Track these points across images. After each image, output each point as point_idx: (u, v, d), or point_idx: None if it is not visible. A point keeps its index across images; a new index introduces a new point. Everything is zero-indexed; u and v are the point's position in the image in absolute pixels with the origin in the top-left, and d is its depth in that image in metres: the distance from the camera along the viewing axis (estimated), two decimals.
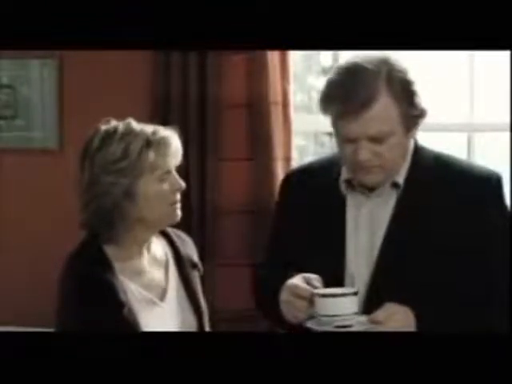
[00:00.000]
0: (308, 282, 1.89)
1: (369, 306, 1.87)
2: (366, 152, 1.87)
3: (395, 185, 1.96)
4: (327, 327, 1.81)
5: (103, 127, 2.00)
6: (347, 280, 1.95)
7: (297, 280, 1.91)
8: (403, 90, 1.87)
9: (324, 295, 1.83)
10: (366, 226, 1.97)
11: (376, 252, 1.94)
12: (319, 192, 2.03)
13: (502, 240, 1.91)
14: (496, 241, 1.91)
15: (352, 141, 1.88)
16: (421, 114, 1.91)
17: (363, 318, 1.84)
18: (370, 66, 1.85)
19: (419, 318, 1.84)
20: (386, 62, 1.88)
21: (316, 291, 1.85)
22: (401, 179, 1.96)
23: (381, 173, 1.92)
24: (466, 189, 1.93)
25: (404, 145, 1.93)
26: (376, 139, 1.86)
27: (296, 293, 1.88)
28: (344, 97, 1.85)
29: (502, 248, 1.91)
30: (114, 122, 2.01)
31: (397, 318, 1.82)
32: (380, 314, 1.82)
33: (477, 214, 1.91)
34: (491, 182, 1.96)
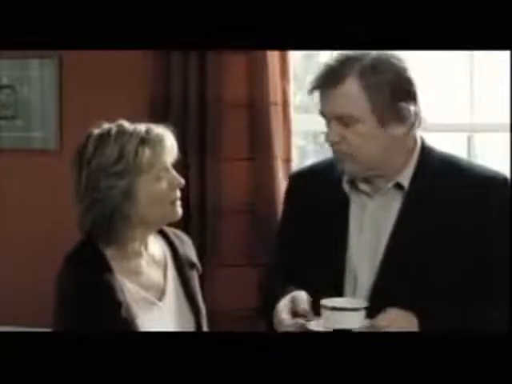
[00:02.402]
0: (295, 309, 1.88)
1: (371, 307, 1.86)
2: (333, 133, 1.92)
3: (399, 186, 1.96)
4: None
5: (96, 131, 2.01)
6: (348, 280, 1.95)
7: (284, 306, 1.90)
8: (378, 83, 1.89)
9: (333, 308, 1.80)
10: (370, 227, 1.97)
11: (379, 253, 1.93)
12: (323, 192, 2.04)
13: (506, 241, 1.90)
14: (500, 242, 1.90)
15: (327, 121, 1.94)
16: (405, 114, 1.90)
17: (366, 322, 1.83)
18: (354, 54, 1.92)
19: (422, 322, 1.84)
20: (375, 54, 1.91)
21: (325, 303, 1.82)
22: (405, 180, 1.95)
23: (354, 163, 1.93)
24: (471, 190, 1.92)
25: (381, 139, 1.91)
26: (342, 121, 1.90)
27: (286, 325, 1.88)
28: (321, 73, 1.94)
29: (505, 249, 1.90)
30: (106, 125, 2.02)
31: (399, 322, 1.82)
32: (383, 319, 1.82)
33: (482, 215, 1.90)
34: (497, 184, 1.94)
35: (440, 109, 2.92)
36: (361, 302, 1.85)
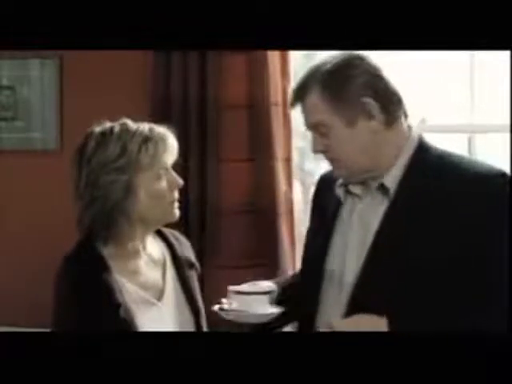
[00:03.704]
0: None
1: (353, 307, 1.88)
2: (315, 144, 1.98)
3: (382, 186, 1.95)
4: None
5: (97, 129, 2.02)
6: (334, 278, 1.97)
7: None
8: (337, 87, 1.92)
9: (236, 292, 1.98)
10: (357, 227, 1.97)
11: (365, 253, 1.93)
12: (327, 196, 2.08)
13: (503, 240, 1.88)
14: (497, 240, 1.89)
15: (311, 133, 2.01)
16: (370, 109, 1.91)
17: (271, 308, 1.96)
18: (318, 63, 1.98)
19: (394, 321, 1.83)
20: (338, 59, 1.95)
21: (231, 288, 2.00)
22: (390, 180, 1.94)
23: (345, 168, 1.96)
24: (468, 188, 1.90)
25: (360, 138, 1.93)
26: (319, 131, 1.95)
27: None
28: (293, 89, 2.03)
29: (503, 248, 1.88)
30: (108, 124, 2.02)
31: (362, 324, 1.83)
32: (339, 322, 1.85)
33: (481, 213, 1.88)
34: (496, 182, 1.92)
35: (440, 109, 2.93)
36: (260, 288, 2.00)
